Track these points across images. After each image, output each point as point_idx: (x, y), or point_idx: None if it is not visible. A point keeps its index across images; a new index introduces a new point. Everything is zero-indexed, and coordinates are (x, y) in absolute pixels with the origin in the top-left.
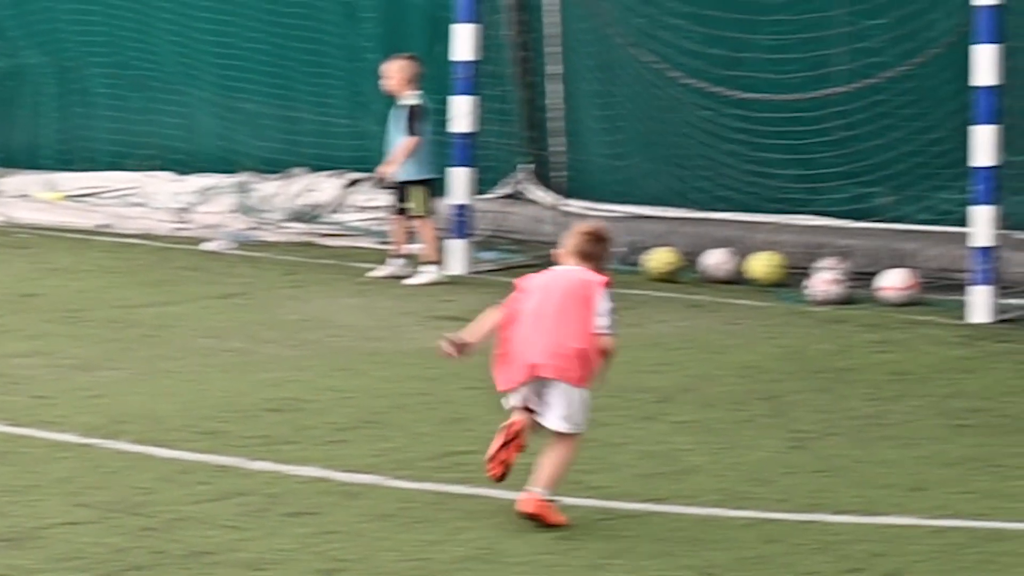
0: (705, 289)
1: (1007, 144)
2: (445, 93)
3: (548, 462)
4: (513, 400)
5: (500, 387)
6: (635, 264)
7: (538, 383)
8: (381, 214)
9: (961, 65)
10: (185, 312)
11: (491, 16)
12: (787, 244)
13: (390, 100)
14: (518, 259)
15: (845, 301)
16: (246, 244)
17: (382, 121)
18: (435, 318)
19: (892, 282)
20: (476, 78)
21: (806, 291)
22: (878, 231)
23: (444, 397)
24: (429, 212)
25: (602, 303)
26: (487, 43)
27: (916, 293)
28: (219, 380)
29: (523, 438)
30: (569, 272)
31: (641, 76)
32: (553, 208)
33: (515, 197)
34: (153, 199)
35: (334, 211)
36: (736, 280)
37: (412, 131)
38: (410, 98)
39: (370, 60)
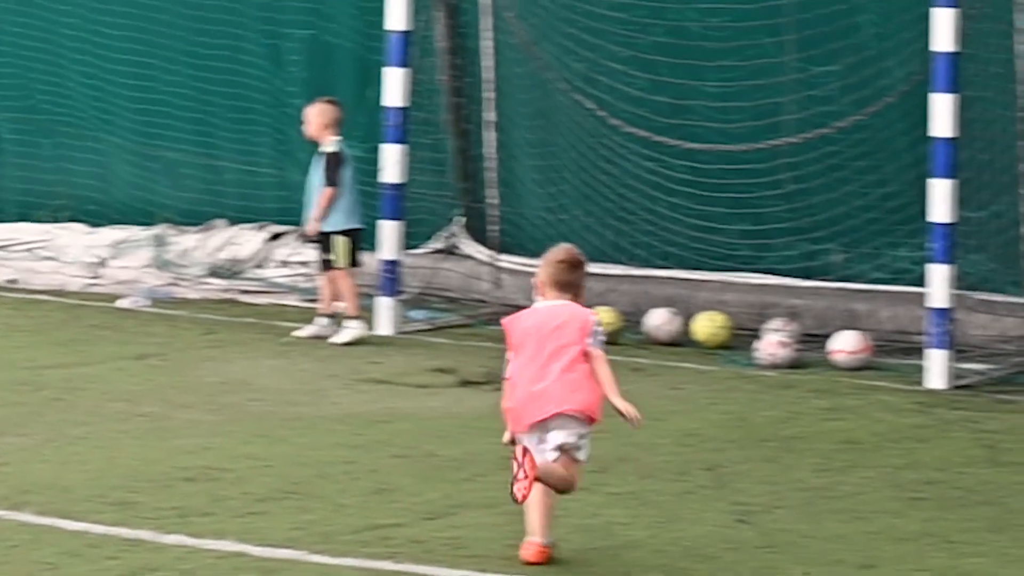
0: (647, 351)
1: (964, 200)
2: (376, 141)
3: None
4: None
5: (514, 429)
6: None
7: (543, 428)
8: (307, 270)
9: (917, 115)
10: (97, 374)
11: (424, 60)
12: (733, 304)
13: (315, 147)
14: (450, 318)
15: (794, 365)
16: (163, 301)
17: (308, 171)
18: (361, 381)
19: (844, 345)
20: (407, 125)
21: (754, 354)
22: (829, 291)
23: (370, 466)
24: (351, 264)
25: (595, 334)
26: (420, 89)
27: (869, 357)
28: (131, 447)
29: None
30: (557, 310)
31: (581, 124)
32: (488, 264)
33: (448, 252)
34: (64, 252)
35: (257, 266)
36: (680, 342)
37: (330, 180)
38: (329, 145)
39: (296, 106)
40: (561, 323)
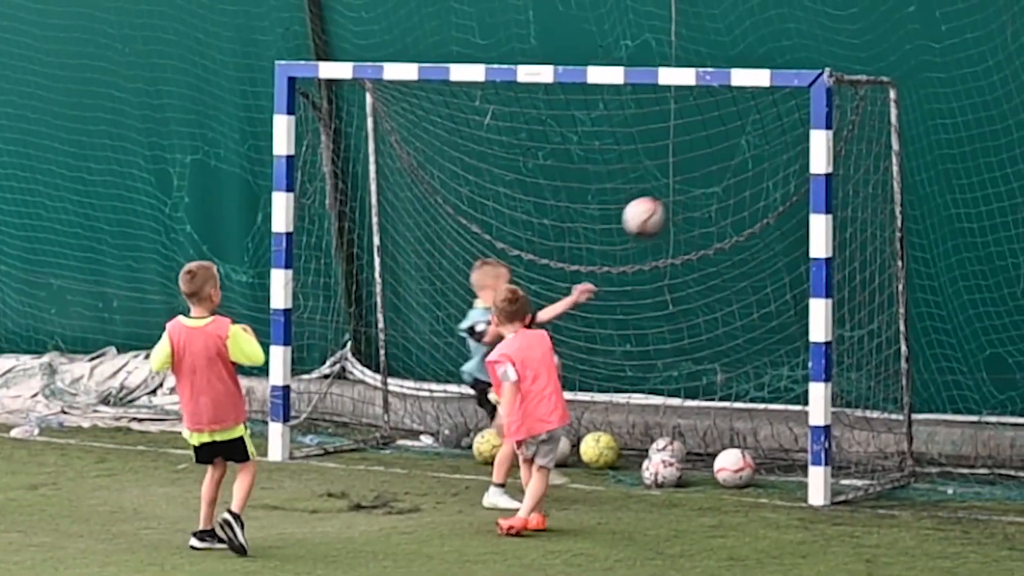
0: None
1: (842, 319)
2: (263, 266)
3: (537, 492)
4: (527, 452)
5: (518, 436)
6: (461, 447)
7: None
8: None
9: (795, 236)
10: None
11: (310, 184)
12: (619, 424)
13: None
14: (341, 443)
15: (680, 484)
16: (54, 430)
17: None
18: (253, 507)
19: (727, 463)
20: (294, 250)
21: (641, 473)
22: (712, 409)
23: None
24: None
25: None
26: (306, 213)
27: (751, 474)
28: None
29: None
30: (530, 336)
31: (467, 248)
32: (379, 388)
33: (338, 376)
34: None
35: (149, 393)
36: (567, 463)
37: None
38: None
39: (183, 232)
40: (544, 346)
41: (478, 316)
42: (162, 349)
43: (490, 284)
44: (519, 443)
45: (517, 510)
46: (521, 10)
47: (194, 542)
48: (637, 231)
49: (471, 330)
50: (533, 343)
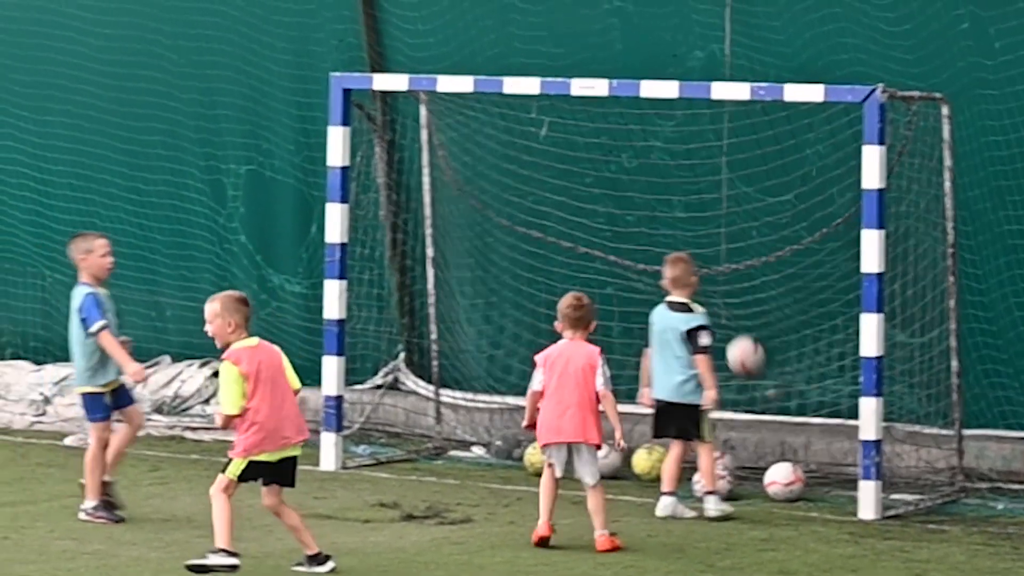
0: None
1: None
2: (316, 277)
3: (595, 509)
4: (551, 458)
5: (540, 442)
6: (512, 458)
7: (567, 446)
8: None
9: (849, 252)
10: (43, 512)
11: (364, 196)
12: None
13: (262, 288)
14: (393, 453)
15: (731, 496)
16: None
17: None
18: (305, 516)
19: (777, 476)
20: (348, 261)
21: (692, 487)
22: (764, 423)
23: None
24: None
25: (602, 369)
26: (360, 224)
27: (802, 488)
28: None
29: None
30: (574, 348)
31: (519, 259)
32: (431, 399)
33: (391, 387)
34: (9, 390)
35: (203, 403)
36: (619, 475)
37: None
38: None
39: (237, 242)
40: (579, 360)
41: (702, 320)
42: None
43: (693, 282)
44: (543, 447)
45: (693, 518)
46: (596, 20)
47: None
48: (739, 370)
49: (696, 332)
50: (576, 354)
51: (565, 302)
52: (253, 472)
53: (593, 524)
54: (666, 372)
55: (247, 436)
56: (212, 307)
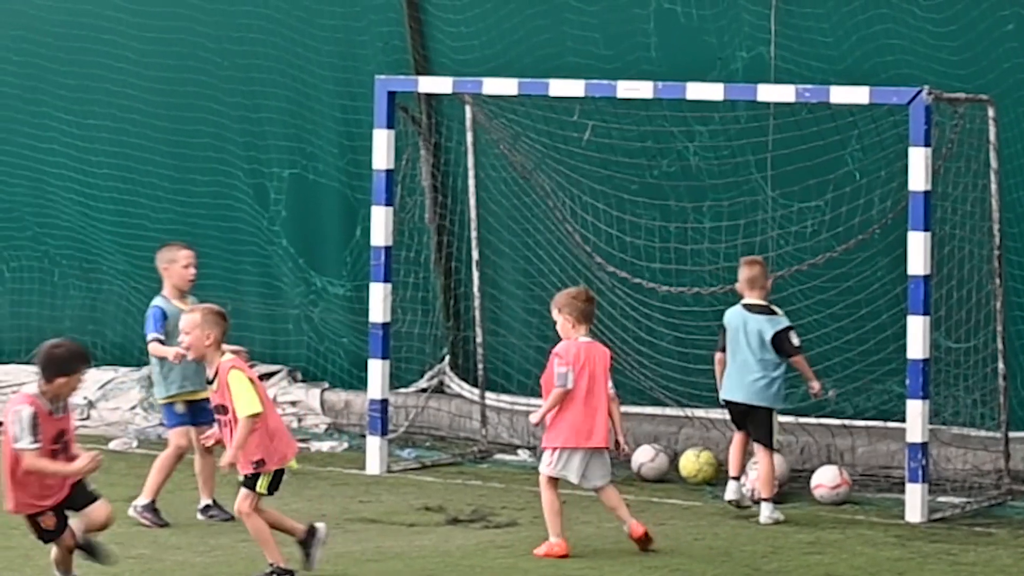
0: (633, 487)
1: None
2: (361, 280)
3: (616, 503)
4: (566, 464)
5: (564, 444)
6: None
7: (590, 451)
8: (296, 410)
9: (895, 254)
10: None
11: (409, 199)
12: (718, 440)
13: (306, 291)
14: (439, 456)
15: (777, 500)
16: (152, 442)
17: (298, 308)
18: (351, 520)
19: (824, 479)
20: (393, 264)
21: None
22: (811, 426)
23: None
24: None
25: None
26: (405, 227)
27: (848, 491)
28: None
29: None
30: (594, 348)
31: (565, 262)
32: (477, 402)
33: (436, 390)
34: None
35: None
36: (665, 478)
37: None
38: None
39: (282, 245)
40: (603, 362)
41: (787, 320)
42: None
43: (768, 284)
44: (560, 449)
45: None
46: (642, 20)
47: None
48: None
49: (787, 333)
50: (599, 355)
51: (576, 294)
52: (277, 482)
53: (620, 517)
54: (739, 372)
55: (271, 445)
56: (192, 318)
